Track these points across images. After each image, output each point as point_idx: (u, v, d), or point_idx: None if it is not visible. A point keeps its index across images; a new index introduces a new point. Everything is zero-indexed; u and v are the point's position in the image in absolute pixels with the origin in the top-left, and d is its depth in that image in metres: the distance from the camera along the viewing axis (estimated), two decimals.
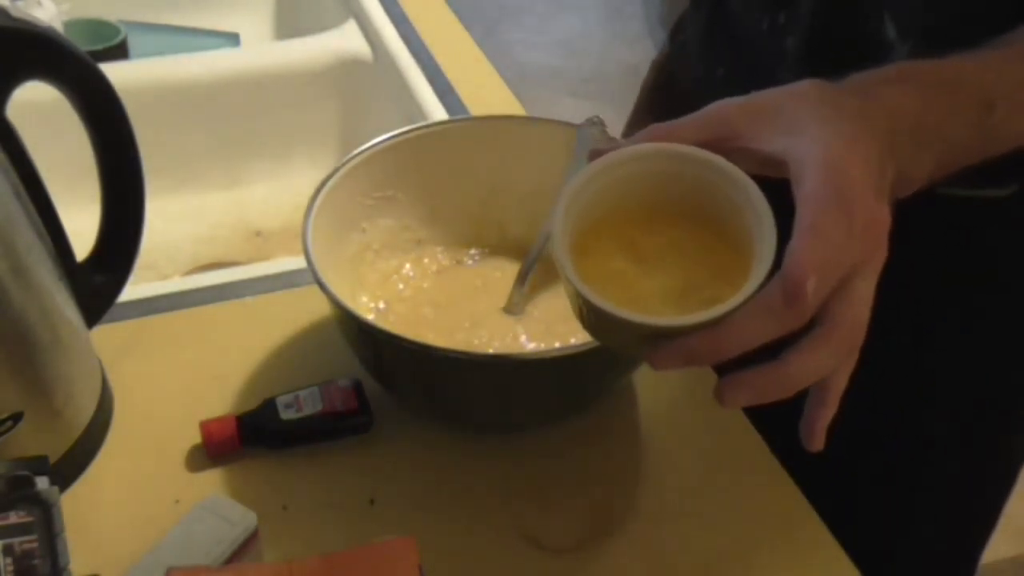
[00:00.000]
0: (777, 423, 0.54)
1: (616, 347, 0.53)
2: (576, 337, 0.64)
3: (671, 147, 0.49)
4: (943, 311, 0.71)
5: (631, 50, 3.15)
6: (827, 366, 0.44)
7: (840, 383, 0.45)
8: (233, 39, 1.23)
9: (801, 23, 0.66)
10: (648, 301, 0.48)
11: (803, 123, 0.46)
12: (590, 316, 0.47)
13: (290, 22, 1.31)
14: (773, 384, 0.43)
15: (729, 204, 0.48)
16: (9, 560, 0.47)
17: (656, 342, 0.45)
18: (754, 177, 0.47)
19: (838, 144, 0.45)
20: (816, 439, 0.46)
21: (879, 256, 0.45)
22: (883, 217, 0.45)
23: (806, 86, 0.48)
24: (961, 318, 0.71)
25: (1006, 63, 0.52)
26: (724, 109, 0.49)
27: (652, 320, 0.45)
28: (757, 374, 0.43)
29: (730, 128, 0.48)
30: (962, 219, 0.65)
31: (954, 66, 0.51)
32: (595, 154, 0.50)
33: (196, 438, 0.64)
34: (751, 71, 0.70)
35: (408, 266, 0.74)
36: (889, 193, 0.47)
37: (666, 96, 0.85)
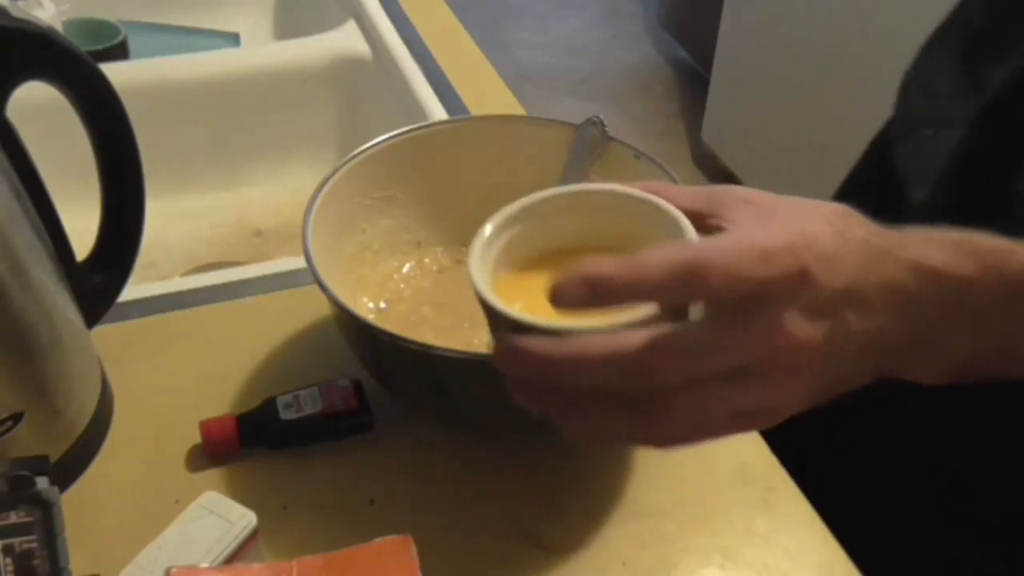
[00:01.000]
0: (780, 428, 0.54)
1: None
2: None
3: (638, 193, 0.49)
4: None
5: (631, 50, 3.15)
6: (607, 422, 0.42)
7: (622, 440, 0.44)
8: (233, 39, 1.23)
9: (983, 99, 0.62)
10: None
11: (782, 224, 0.44)
12: (477, 298, 0.47)
13: (290, 22, 1.31)
14: (548, 401, 0.42)
15: None
16: (9, 560, 0.47)
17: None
18: None
19: (795, 242, 0.42)
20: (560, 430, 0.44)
21: (773, 370, 0.41)
22: (797, 333, 0.41)
23: (833, 208, 0.45)
24: None
25: None
26: (728, 193, 0.47)
27: (501, 307, 0.45)
28: (547, 385, 0.42)
29: (719, 210, 0.46)
30: None
31: None
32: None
33: (196, 438, 0.64)
34: (927, 124, 0.68)
35: (408, 266, 0.74)
36: (845, 331, 0.42)
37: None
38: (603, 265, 0.40)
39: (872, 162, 0.80)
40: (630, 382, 0.41)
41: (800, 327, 0.41)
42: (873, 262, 0.44)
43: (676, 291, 0.41)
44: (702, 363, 0.41)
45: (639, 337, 0.40)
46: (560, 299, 0.40)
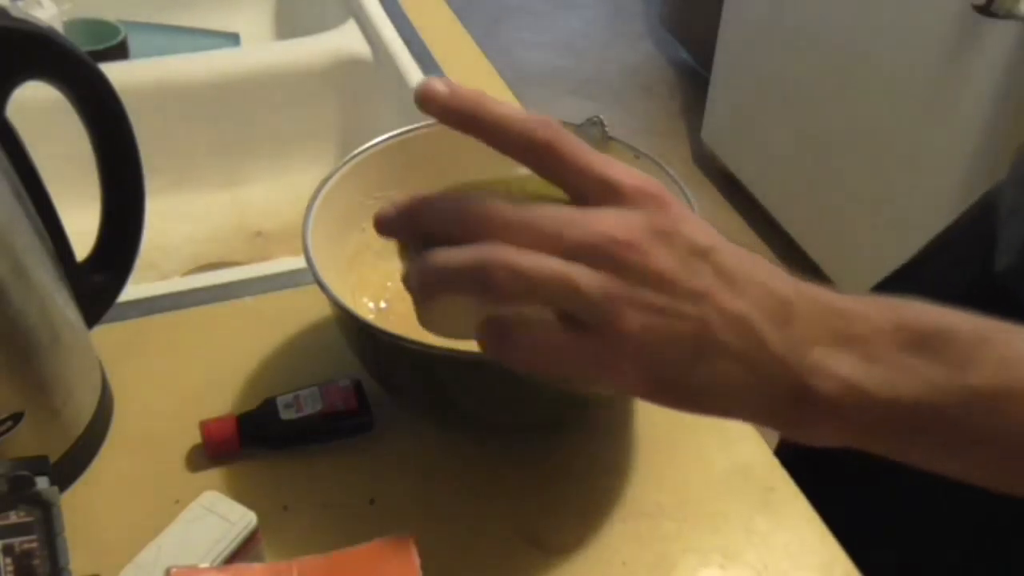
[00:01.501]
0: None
1: None
2: None
3: None
4: None
5: (632, 50, 3.15)
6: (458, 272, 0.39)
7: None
8: (233, 39, 1.23)
9: None
10: None
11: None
12: None
13: (290, 22, 1.31)
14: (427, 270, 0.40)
15: None
16: (9, 560, 0.47)
17: None
18: None
19: (657, 183, 0.41)
20: None
21: (611, 263, 0.38)
22: (636, 233, 0.38)
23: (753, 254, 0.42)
24: None
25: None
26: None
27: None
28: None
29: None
30: None
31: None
32: None
33: (196, 438, 0.64)
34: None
35: None
36: (700, 281, 0.39)
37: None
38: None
39: (975, 217, 0.76)
40: (464, 226, 0.41)
41: (644, 233, 0.39)
42: (751, 260, 0.41)
43: (529, 153, 0.42)
44: (539, 231, 0.39)
45: (489, 198, 0.42)
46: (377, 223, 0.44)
